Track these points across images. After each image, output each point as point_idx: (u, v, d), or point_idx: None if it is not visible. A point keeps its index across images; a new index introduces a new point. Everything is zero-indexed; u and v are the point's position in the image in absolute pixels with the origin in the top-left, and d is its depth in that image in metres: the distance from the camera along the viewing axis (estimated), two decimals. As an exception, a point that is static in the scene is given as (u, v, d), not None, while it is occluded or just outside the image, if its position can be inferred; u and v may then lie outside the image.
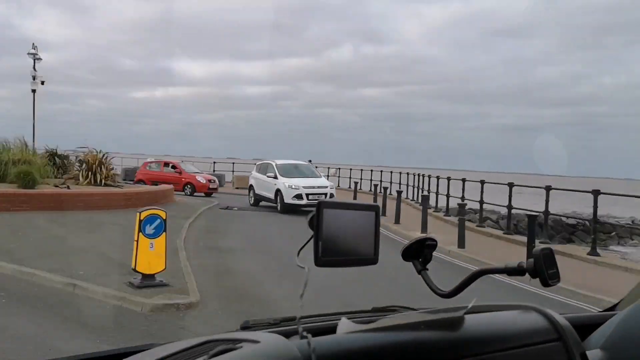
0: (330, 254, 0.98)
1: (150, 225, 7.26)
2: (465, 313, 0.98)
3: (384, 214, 17.29)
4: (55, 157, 19.22)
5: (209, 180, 25.70)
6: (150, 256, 7.29)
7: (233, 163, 37.05)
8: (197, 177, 25.52)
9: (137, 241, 7.19)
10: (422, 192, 21.61)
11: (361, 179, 29.65)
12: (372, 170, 31.29)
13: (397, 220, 16.63)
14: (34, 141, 20.91)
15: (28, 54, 23.70)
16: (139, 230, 7.20)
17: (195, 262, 9.23)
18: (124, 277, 7.51)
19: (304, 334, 0.86)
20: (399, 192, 18.73)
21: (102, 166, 17.93)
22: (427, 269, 1.27)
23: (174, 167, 26.03)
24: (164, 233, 7.38)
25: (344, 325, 0.96)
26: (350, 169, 33.77)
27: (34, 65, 23.67)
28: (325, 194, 18.52)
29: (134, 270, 7.29)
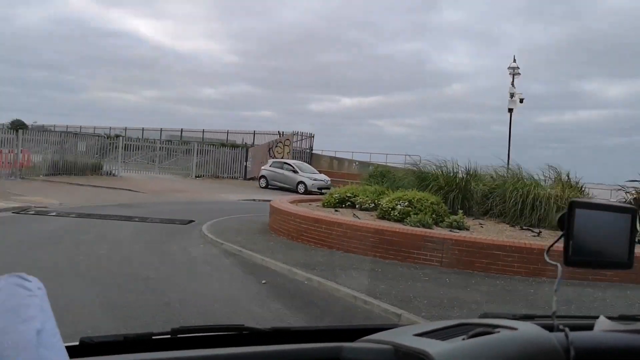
0: (581, 254, 0.97)
1: None
2: None
3: None
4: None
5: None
6: None
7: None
8: None
9: None
10: None
11: None
12: None
13: None
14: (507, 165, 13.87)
15: (508, 68, 22.04)
16: None
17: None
18: None
19: (560, 327, 0.86)
20: None
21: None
22: None
23: None
24: None
25: (603, 324, 0.96)
26: None
27: (512, 82, 21.77)
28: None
29: None
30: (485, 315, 1.21)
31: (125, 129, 47.16)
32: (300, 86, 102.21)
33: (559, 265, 0.95)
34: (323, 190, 25.43)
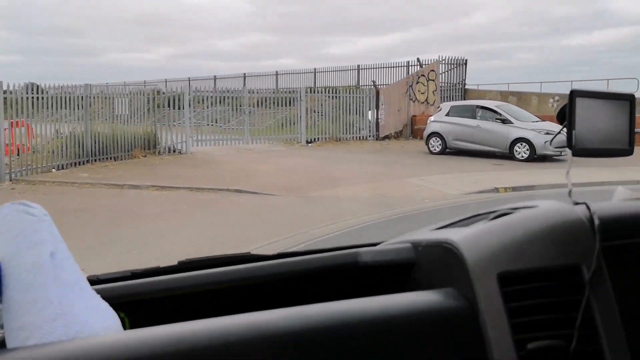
0: (585, 143, 0.97)
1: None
2: None
3: None
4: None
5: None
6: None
7: None
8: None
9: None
10: None
11: None
12: None
13: None
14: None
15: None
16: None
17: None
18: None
19: (578, 201, 0.88)
20: None
21: None
22: None
23: None
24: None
25: (621, 194, 1.01)
26: None
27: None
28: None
29: None
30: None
31: (145, 82, 34.79)
32: (317, 29, 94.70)
33: (568, 149, 0.96)
34: (562, 152, 14.31)
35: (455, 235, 0.93)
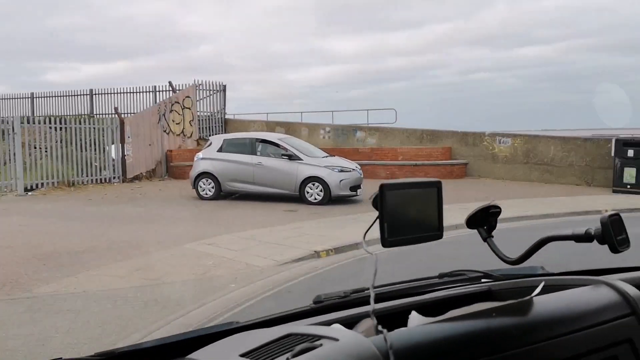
0: (397, 233, 1.01)
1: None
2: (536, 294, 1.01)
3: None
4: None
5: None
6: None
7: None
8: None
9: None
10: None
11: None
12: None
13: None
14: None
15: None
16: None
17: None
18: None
19: (380, 328, 0.88)
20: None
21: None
22: (492, 236, 1.31)
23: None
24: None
25: (415, 319, 0.99)
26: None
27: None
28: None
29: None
30: (319, 299, 1.19)
31: None
32: (29, 54, 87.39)
33: (375, 255, 0.99)
34: (358, 191, 12.79)
35: None
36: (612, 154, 14.31)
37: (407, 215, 1.02)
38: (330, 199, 12.37)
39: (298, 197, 12.56)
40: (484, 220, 1.28)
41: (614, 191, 14.09)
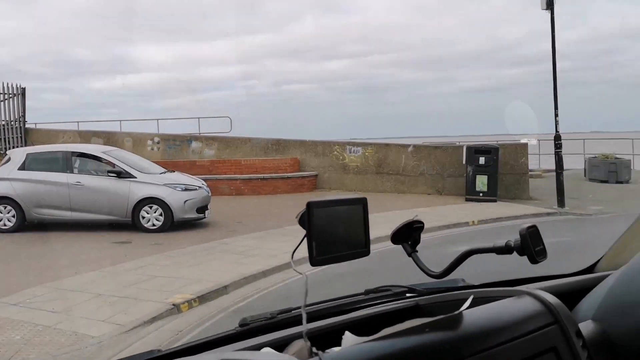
0: (325, 252, 0.97)
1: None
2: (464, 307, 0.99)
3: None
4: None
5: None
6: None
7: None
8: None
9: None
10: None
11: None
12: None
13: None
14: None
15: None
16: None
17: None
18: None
19: (314, 350, 0.86)
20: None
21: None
22: (417, 251, 1.30)
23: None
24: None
25: (349, 339, 0.96)
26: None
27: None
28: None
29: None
30: (244, 321, 1.16)
31: None
32: None
33: (305, 275, 0.95)
34: (206, 212, 10.94)
35: None
36: (464, 162, 14.06)
37: (335, 233, 0.99)
38: (172, 224, 10.15)
39: (131, 224, 10.12)
40: (409, 235, 1.28)
41: (467, 199, 13.83)
